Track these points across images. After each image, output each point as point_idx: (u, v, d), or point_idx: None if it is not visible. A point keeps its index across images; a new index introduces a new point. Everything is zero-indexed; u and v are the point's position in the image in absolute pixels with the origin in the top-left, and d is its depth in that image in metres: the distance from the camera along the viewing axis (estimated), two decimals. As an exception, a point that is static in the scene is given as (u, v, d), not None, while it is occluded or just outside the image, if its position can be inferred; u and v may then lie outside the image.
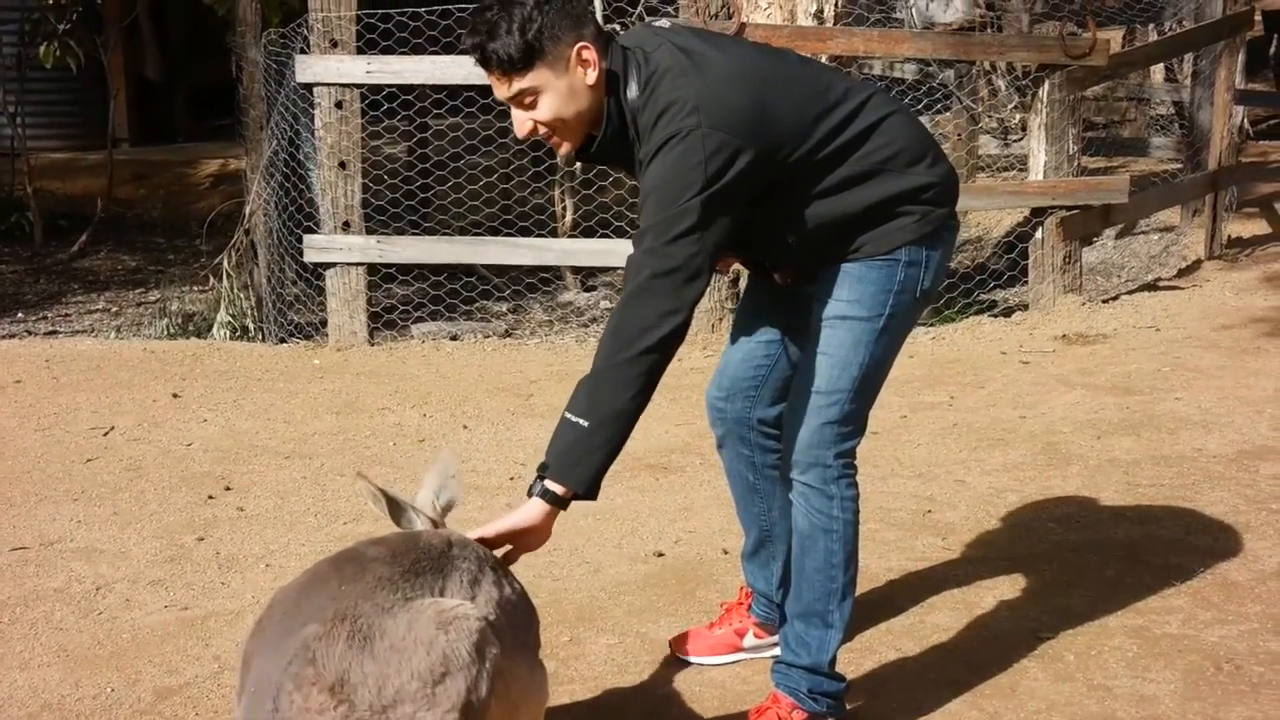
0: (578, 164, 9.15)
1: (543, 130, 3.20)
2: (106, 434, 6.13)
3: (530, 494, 3.06)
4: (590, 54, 3.14)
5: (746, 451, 3.70)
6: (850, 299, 3.32)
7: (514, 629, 2.81)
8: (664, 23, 3.72)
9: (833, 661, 3.44)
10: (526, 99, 3.15)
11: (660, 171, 3.09)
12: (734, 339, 3.71)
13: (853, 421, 3.37)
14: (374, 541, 2.90)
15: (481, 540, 3.00)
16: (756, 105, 3.13)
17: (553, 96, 3.14)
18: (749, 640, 3.93)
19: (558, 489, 3.04)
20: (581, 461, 3.04)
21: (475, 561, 2.86)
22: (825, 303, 3.33)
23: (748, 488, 3.77)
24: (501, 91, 3.17)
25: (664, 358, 3.08)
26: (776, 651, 3.58)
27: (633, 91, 3.17)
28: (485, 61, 3.14)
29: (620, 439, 3.08)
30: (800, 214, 3.26)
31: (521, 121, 3.19)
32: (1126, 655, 3.90)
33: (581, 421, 3.03)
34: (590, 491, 3.07)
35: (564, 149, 3.28)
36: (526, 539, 3.09)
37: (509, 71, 3.11)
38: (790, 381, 3.62)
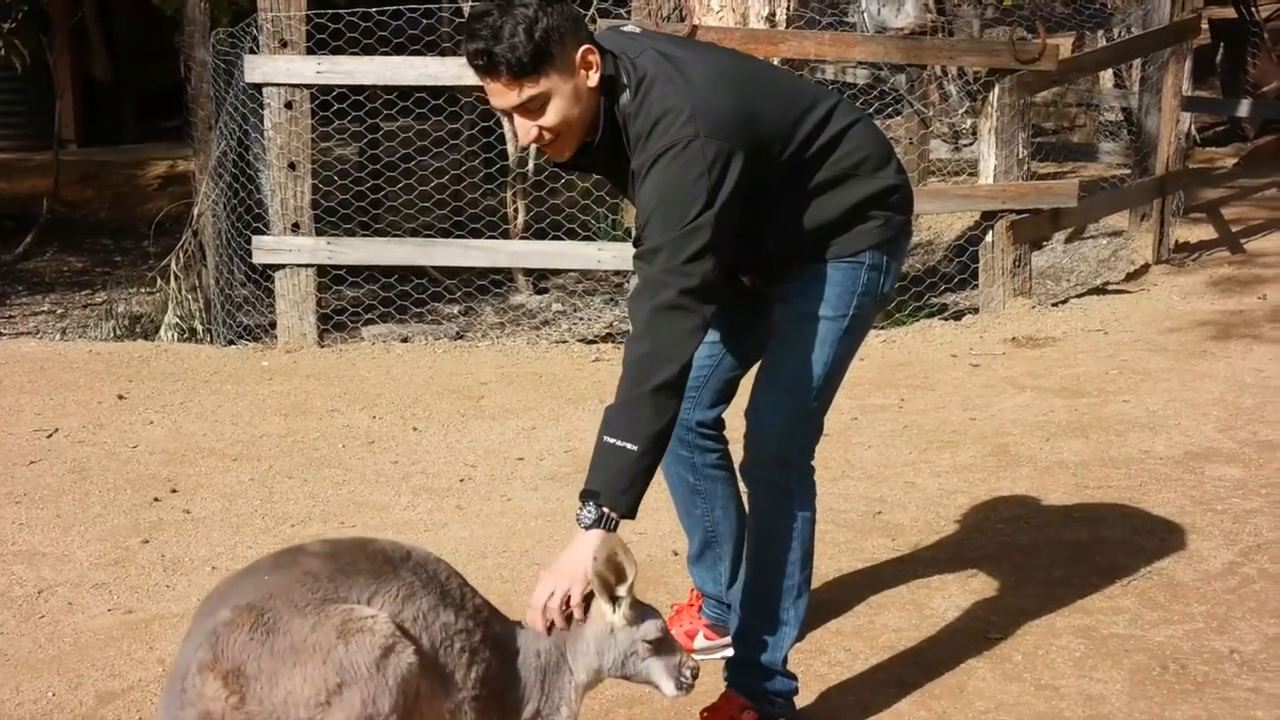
0: (529, 166, 9.13)
1: (547, 136, 3.13)
2: (50, 436, 6.06)
3: (582, 525, 2.95)
4: (594, 56, 3.11)
5: (685, 453, 3.70)
6: (816, 299, 3.34)
7: (444, 659, 2.73)
8: (632, 27, 3.68)
9: (785, 660, 3.44)
10: (534, 105, 3.07)
11: (663, 183, 3.06)
12: None
13: (816, 420, 3.40)
14: (328, 540, 2.88)
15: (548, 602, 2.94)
16: (742, 107, 3.14)
17: (560, 101, 3.08)
18: (699, 642, 3.93)
19: (613, 516, 2.96)
20: (633, 487, 2.99)
21: (425, 580, 2.77)
22: (791, 303, 3.34)
23: (688, 490, 3.77)
24: (507, 99, 3.06)
25: (690, 371, 3.10)
26: (728, 653, 3.57)
27: (625, 97, 3.14)
28: (492, 68, 3.02)
29: (660, 459, 3.07)
30: (778, 217, 3.28)
31: (527, 129, 3.11)
32: (1074, 655, 3.92)
33: (629, 447, 2.97)
34: (635, 514, 3.03)
35: (564, 154, 3.21)
36: (573, 572, 2.92)
37: (519, 77, 3.02)
38: (730, 383, 3.65)
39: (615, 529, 2.95)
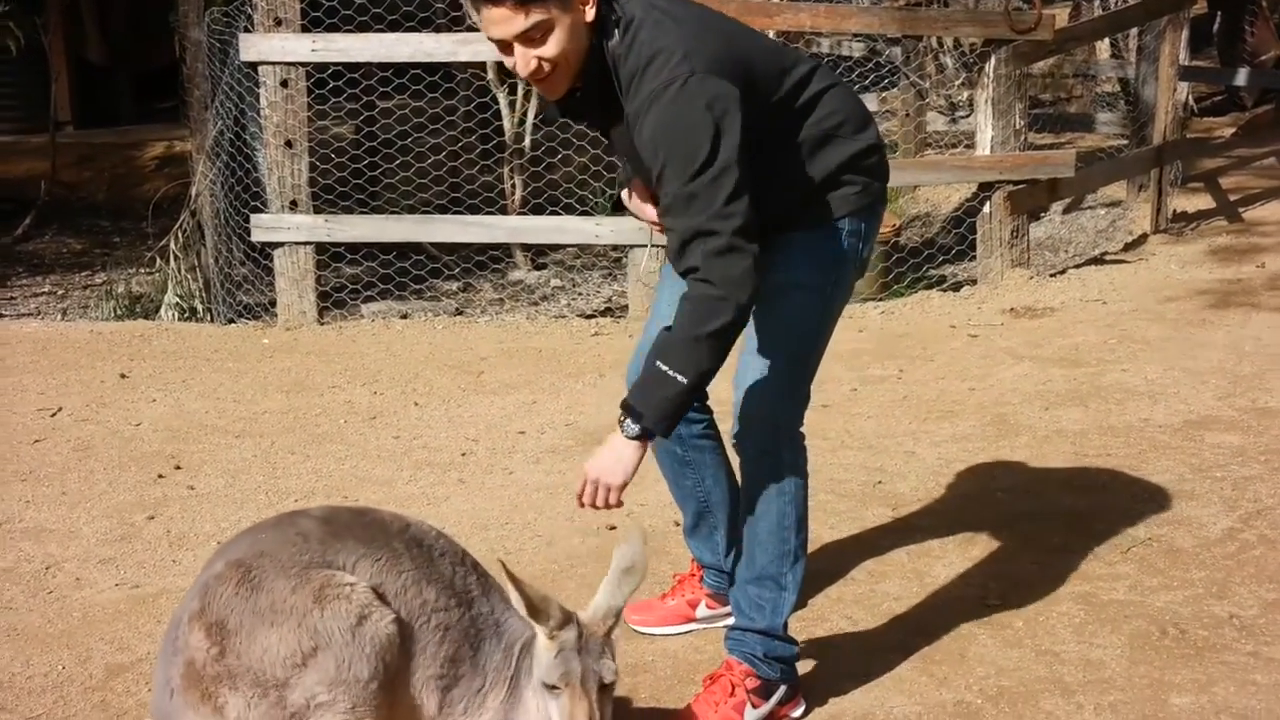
0: (526, 141, 9.13)
1: (545, 68, 3.12)
2: (54, 415, 6.08)
3: (626, 434, 3.12)
4: None
5: None
6: (798, 268, 3.35)
7: (418, 633, 2.74)
8: None
9: (785, 625, 3.47)
10: (537, 33, 3.06)
11: (665, 123, 3.05)
12: (654, 315, 3.71)
13: (803, 387, 3.42)
14: (333, 506, 2.92)
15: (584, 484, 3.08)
16: (732, 51, 3.15)
17: (561, 31, 3.08)
18: (701, 611, 3.96)
19: (651, 430, 3.13)
20: (674, 415, 3.13)
21: (416, 553, 2.79)
22: (772, 272, 3.34)
23: (677, 462, 3.79)
24: (510, 26, 3.05)
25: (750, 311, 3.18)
26: (730, 621, 3.60)
27: (615, 38, 3.14)
28: None
29: (703, 392, 3.24)
30: (760, 175, 3.28)
31: (526, 60, 3.11)
32: (1074, 621, 3.95)
33: (680, 379, 3.07)
34: (670, 435, 3.29)
35: (558, 91, 3.20)
36: (614, 471, 3.12)
37: (525, 1, 3.02)
38: None
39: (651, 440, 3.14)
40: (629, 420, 3.11)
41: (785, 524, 3.41)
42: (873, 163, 3.41)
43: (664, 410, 3.09)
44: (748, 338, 3.45)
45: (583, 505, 3.17)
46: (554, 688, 2.58)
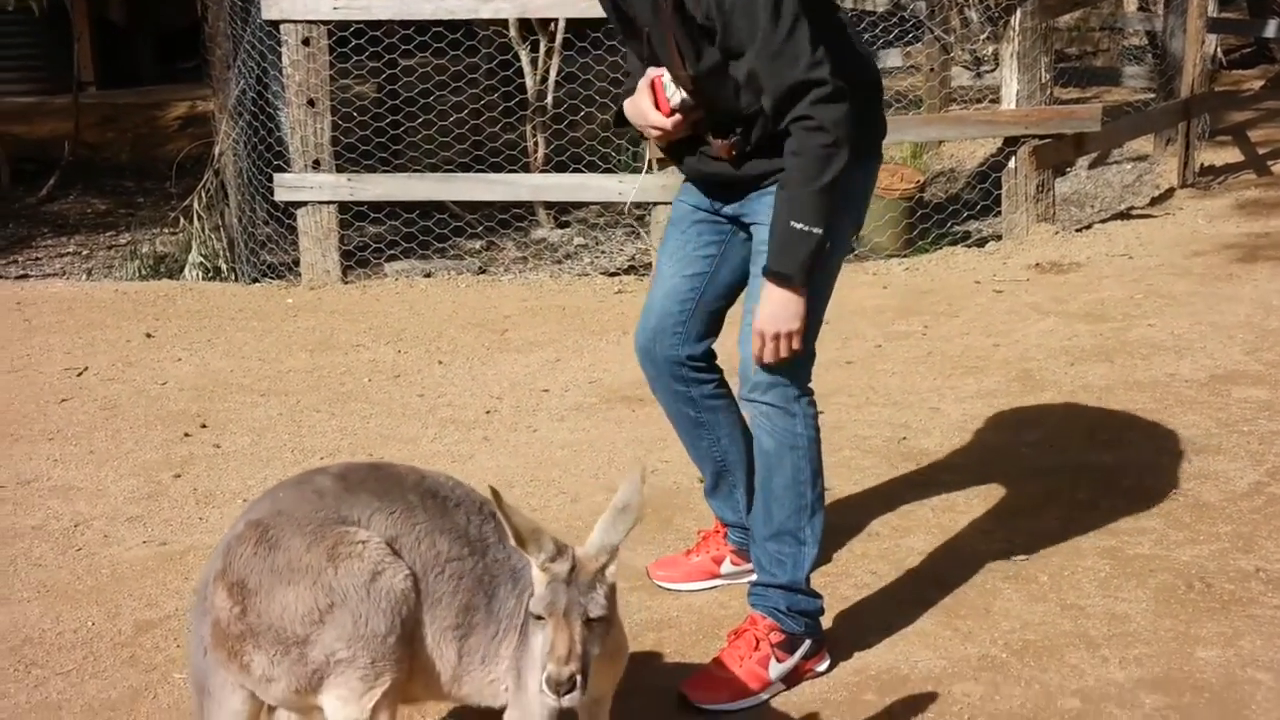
0: (548, 99, 9.10)
1: None
2: (80, 374, 6.11)
3: (771, 281, 3.22)
4: None
5: (683, 388, 3.70)
6: None
7: (433, 585, 2.73)
8: None
9: (808, 579, 3.47)
10: None
11: None
12: (658, 278, 3.71)
13: (810, 341, 3.41)
14: (350, 463, 2.94)
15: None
16: None
17: None
18: (726, 567, 3.96)
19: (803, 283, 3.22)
20: (815, 266, 3.21)
21: (431, 505, 2.79)
22: (763, 225, 3.35)
23: (691, 424, 3.78)
24: None
25: None
26: (754, 577, 3.61)
27: None
28: None
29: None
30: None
31: None
32: (1099, 575, 3.94)
33: (815, 231, 3.17)
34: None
35: None
36: (788, 319, 3.24)
37: None
38: (715, 315, 3.65)
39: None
40: (778, 285, 3.21)
41: (801, 479, 3.42)
42: (874, 107, 3.44)
43: (808, 265, 3.19)
44: (749, 297, 3.45)
45: (768, 362, 3.29)
46: (539, 618, 2.57)
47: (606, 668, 2.72)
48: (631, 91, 3.47)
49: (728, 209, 3.53)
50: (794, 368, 3.37)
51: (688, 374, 3.68)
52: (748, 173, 3.38)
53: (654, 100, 3.36)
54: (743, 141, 3.34)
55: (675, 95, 3.32)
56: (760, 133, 3.29)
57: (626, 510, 2.64)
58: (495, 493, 2.58)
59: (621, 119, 3.56)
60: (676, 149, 3.53)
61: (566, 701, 2.48)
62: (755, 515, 3.54)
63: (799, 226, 3.16)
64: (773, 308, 3.24)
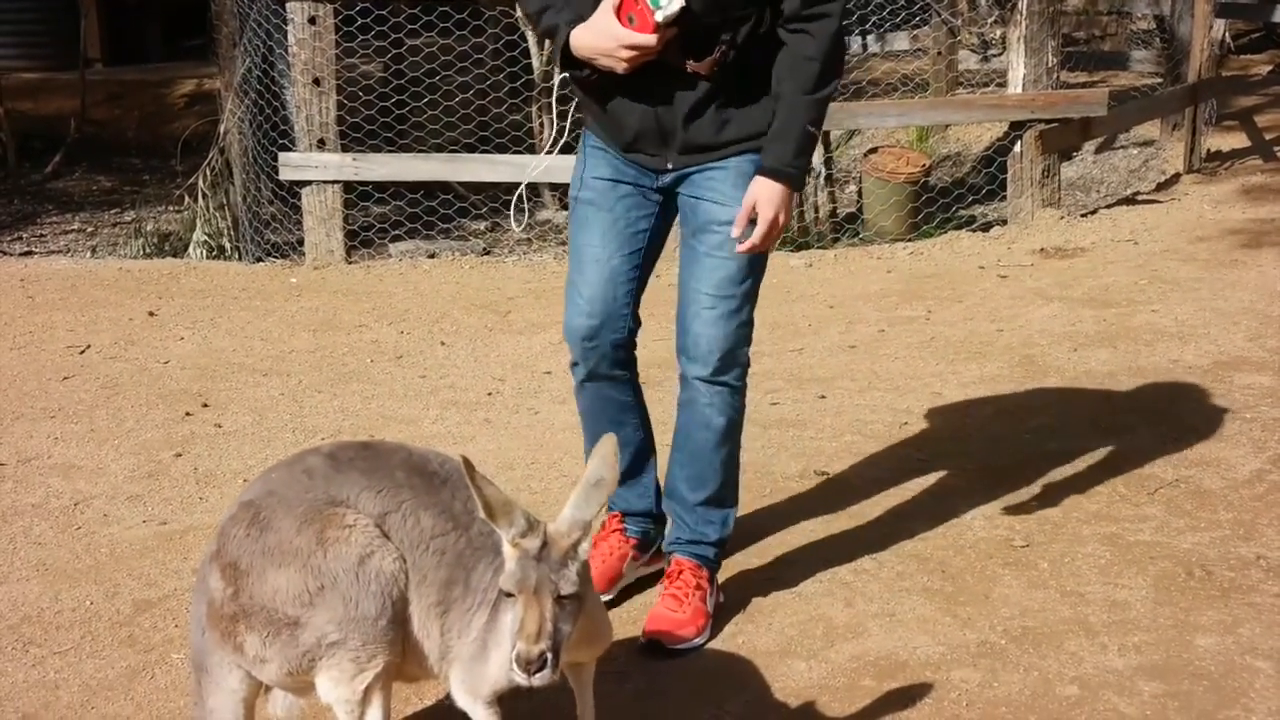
0: (554, 80, 9.06)
1: None
2: (83, 352, 6.11)
3: (795, 186, 3.33)
4: None
5: (621, 372, 3.64)
6: (734, 201, 3.35)
7: (419, 561, 2.72)
8: None
9: None
10: None
11: None
12: (588, 260, 3.55)
13: (749, 315, 3.48)
14: (340, 441, 2.94)
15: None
16: None
17: None
18: (628, 565, 3.82)
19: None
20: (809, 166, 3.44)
21: (416, 482, 2.77)
22: (716, 204, 3.38)
23: (620, 409, 3.69)
24: None
25: None
26: (660, 566, 3.73)
27: None
28: None
29: None
30: (751, 44, 3.27)
31: None
32: (1099, 562, 3.93)
33: (819, 133, 3.38)
34: None
35: None
36: (789, 208, 3.36)
37: None
38: (639, 298, 3.59)
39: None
40: (783, 184, 3.28)
41: (737, 450, 3.64)
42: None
43: (808, 168, 3.39)
44: (689, 277, 3.47)
45: (764, 248, 3.36)
46: (510, 595, 2.52)
47: (585, 649, 2.75)
48: (575, 21, 3.29)
49: (664, 181, 3.47)
50: (738, 345, 3.47)
51: (623, 357, 3.62)
52: (726, 137, 3.37)
53: (621, 19, 3.17)
54: (719, 67, 3.25)
55: (671, 3, 3.08)
56: (747, 40, 3.25)
57: (599, 485, 2.61)
58: (467, 462, 2.52)
59: (569, 57, 3.36)
60: (616, 114, 3.49)
61: (538, 681, 2.43)
62: (678, 482, 3.65)
63: (815, 130, 3.31)
64: (780, 201, 3.29)
